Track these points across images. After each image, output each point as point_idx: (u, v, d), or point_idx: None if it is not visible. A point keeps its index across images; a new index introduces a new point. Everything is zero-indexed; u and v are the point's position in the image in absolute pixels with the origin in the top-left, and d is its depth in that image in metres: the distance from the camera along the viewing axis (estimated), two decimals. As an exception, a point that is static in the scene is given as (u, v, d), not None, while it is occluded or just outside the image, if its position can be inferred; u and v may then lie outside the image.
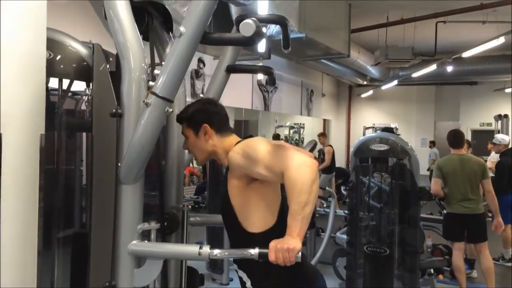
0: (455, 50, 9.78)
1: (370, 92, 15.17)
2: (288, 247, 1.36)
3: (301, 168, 1.43)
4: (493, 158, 6.75)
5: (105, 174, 1.40)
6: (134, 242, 1.39)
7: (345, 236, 4.25)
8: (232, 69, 1.92)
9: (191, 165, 9.93)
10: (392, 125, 12.60)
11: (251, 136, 1.70)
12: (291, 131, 14.90)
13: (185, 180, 9.02)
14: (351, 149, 4.12)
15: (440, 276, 4.73)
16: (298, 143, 14.44)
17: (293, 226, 1.41)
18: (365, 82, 13.70)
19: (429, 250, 5.32)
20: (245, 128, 12.77)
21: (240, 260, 1.62)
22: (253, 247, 1.40)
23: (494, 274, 4.56)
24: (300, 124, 14.91)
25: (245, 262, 1.60)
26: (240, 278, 1.68)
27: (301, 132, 15.07)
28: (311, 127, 15.31)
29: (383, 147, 3.83)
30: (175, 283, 1.72)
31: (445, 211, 4.59)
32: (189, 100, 1.96)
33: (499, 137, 5.75)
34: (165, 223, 1.62)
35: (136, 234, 1.39)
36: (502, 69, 11.51)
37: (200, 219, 1.95)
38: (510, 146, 5.72)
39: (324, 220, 4.84)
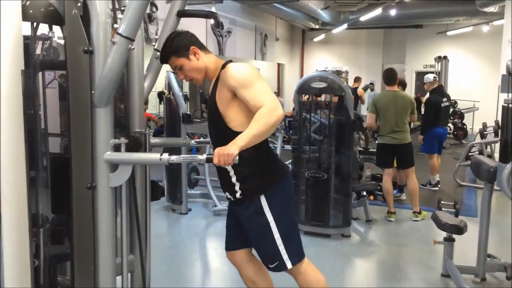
0: (399, -6, 10.16)
1: (322, 36, 15.51)
2: (228, 152, 1.80)
3: (273, 111, 1.90)
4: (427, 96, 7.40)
5: (80, 100, 1.76)
6: (108, 153, 1.77)
7: (290, 167, 4.77)
8: (182, 13, 2.24)
9: (147, 110, 10.12)
10: (343, 69, 13.14)
11: (231, 61, 2.11)
12: (247, 75, 15.19)
13: (143, 125, 9.23)
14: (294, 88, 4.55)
15: (371, 197, 5.41)
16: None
17: (241, 139, 1.86)
18: (317, 26, 14.00)
19: (367, 179, 5.98)
20: (201, 73, 12.93)
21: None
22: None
23: (422, 197, 5.27)
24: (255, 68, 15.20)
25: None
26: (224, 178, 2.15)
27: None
28: (265, 72, 15.61)
29: (323, 85, 4.29)
30: (141, 193, 2.12)
31: (377, 142, 5.18)
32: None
33: (426, 76, 6.37)
34: (131, 144, 2.00)
35: (109, 146, 1.78)
36: (445, 12, 12.03)
37: (160, 141, 2.33)
38: (438, 84, 6.34)
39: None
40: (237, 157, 1.79)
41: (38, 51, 1.98)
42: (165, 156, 1.76)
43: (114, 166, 1.79)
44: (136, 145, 2.03)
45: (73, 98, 1.77)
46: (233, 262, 2.42)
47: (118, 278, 1.94)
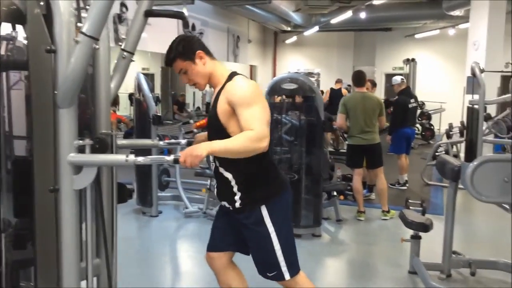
0: (368, -2, 10.35)
1: (294, 38, 15.64)
2: (196, 154, 1.79)
3: (259, 141, 1.87)
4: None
5: (43, 101, 1.71)
6: (72, 154, 1.73)
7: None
8: (149, 13, 2.22)
9: (117, 112, 9.97)
10: (315, 70, 13.27)
11: (236, 73, 2.10)
12: (220, 77, 15.16)
13: (113, 127, 9.08)
14: (265, 89, 4.57)
15: (341, 197, 5.48)
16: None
17: (215, 146, 1.86)
18: (289, 28, 14.12)
19: (338, 179, 6.04)
20: (172, 75, 12.80)
21: (226, 162, 2.04)
22: None
23: (390, 196, 5.37)
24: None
25: (231, 164, 2.03)
26: (222, 181, 2.11)
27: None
28: (238, 73, 15.63)
29: (293, 86, 4.32)
30: (108, 195, 2.09)
31: (347, 143, 5.26)
32: (112, 45, 2.23)
33: (393, 78, 6.52)
34: (97, 146, 1.96)
35: (73, 148, 1.74)
36: (413, 16, 12.32)
37: (127, 142, 2.30)
38: (405, 86, 6.49)
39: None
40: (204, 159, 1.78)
41: (2, 51, 1.93)
42: (131, 157, 1.73)
43: (78, 168, 1.76)
44: (102, 146, 1.99)
45: (35, 98, 1.73)
46: (212, 265, 2.32)
47: (84, 282, 1.91)
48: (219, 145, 1.87)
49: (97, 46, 1.67)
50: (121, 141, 2.18)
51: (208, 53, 2.11)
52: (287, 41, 16.05)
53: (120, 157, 1.75)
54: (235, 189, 2.09)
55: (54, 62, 1.69)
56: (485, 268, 3.53)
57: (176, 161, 1.77)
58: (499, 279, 3.45)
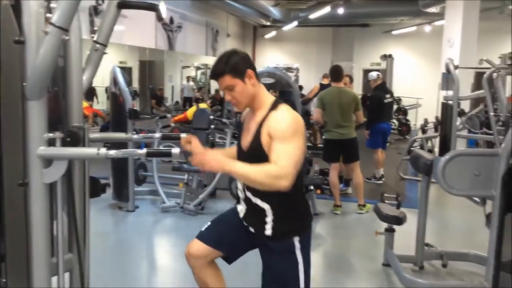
0: (347, -7, 10.42)
1: (274, 33, 15.63)
2: (215, 164, 1.80)
3: (280, 179, 1.77)
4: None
5: (11, 93, 1.67)
6: (42, 147, 1.70)
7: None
8: (122, 5, 2.18)
9: (95, 106, 9.82)
10: (294, 66, 13.30)
11: (280, 102, 2.00)
12: (198, 72, 15.05)
13: (89, 121, 8.95)
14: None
15: (318, 191, 5.53)
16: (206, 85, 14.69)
17: (236, 167, 1.82)
18: (268, 23, 14.09)
19: (316, 174, 6.09)
20: (150, 69, 12.67)
21: (264, 194, 1.92)
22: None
23: (366, 190, 5.44)
24: (207, 64, 15.07)
25: (269, 196, 1.92)
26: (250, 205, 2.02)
27: (208, 73, 15.27)
28: (217, 68, 15.53)
29: (270, 81, 4.33)
30: (80, 189, 2.06)
31: (324, 137, 5.30)
32: (85, 37, 2.19)
33: (370, 74, 6.60)
34: (68, 139, 1.93)
35: (43, 141, 1.70)
36: (390, 12, 12.45)
37: (100, 136, 2.27)
38: (381, 82, 6.57)
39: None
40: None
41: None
42: (103, 150, 1.71)
43: (48, 162, 1.72)
44: (73, 140, 1.95)
45: (3, 90, 1.68)
46: (192, 259, 2.19)
47: (55, 278, 1.88)
48: (239, 169, 1.83)
49: (67, 37, 1.63)
50: (94, 135, 2.15)
51: (256, 74, 2.00)
52: (267, 36, 16.04)
53: (91, 150, 1.73)
54: (269, 218, 1.99)
55: (22, 53, 1.66)
56: (457, 260, 3.62)
57: (150, 154, 1.76)
58: (470, 271, 3.54)
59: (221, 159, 1.84)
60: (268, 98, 2.01)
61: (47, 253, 1.78)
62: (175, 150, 1.82)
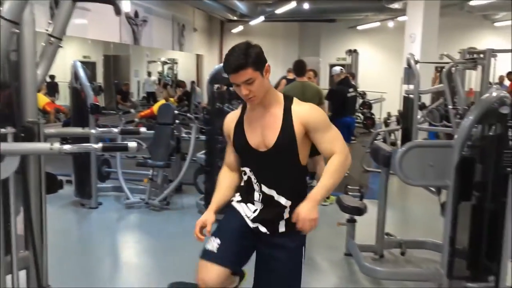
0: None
1: (241, 27, 15.61)
2: (314, 217, 1.81)
3: (347, 160, 1.90)
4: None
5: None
6: (-8, 143, 1.67)
7: (204, 156, 4.78)
8: (77, -2, 2.15)
9: (56, 102, 9.57)
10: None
11: (289, 96, 2.02)
12: (165, 67, 14.88)
13: (51, 117, 8.73)
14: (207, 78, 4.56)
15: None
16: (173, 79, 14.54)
17: (319, 196, 1.84)
18: (235, 18, 14.06)
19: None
20: (115, 64, 12.45)
21: (289, 191, 1.93)
22: (303, 176, 2.02)
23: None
24: (174, 59, 14.92)
25: (294, 192, 1.94)
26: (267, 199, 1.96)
27: (175, 68, 15.12)
28: (184, 63, 15.39)
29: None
30: (35, 186, 2.02)
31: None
32: (40, 30, 2.14)
33: (333, 68, 6.71)
34: (22, 134, 1.89)
35: (-6, 137, 1.68)
36: (355, 8, 12.63)
37: (56, 131, 2.23)
38: (344, 76, 6.70)
39: (189, 145, 5.30)
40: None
41: None
42: (56, 145, 1.69)
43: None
44: (28, 135, 1.93)
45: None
46: (207, 281, 1.96)
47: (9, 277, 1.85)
48: (321, 193, 1.86)
49: (16, 30, 1.60)
50: (50, 130, 2.12)
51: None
52: (234, 31, 16.00)
53: (44, 145, 1.70)
54: (286, 215, 1.97)
55: (-30, 46, 1.62)
56: (415, 248, 3.75)
57: (105, 148, 1.74)
58: (427, 258, 3.67)
59: (310, 209, 1.82)
60: (279, 93, 2.01)
61: (1, 250, 1.75)
62: (132, 144, 1.81)
